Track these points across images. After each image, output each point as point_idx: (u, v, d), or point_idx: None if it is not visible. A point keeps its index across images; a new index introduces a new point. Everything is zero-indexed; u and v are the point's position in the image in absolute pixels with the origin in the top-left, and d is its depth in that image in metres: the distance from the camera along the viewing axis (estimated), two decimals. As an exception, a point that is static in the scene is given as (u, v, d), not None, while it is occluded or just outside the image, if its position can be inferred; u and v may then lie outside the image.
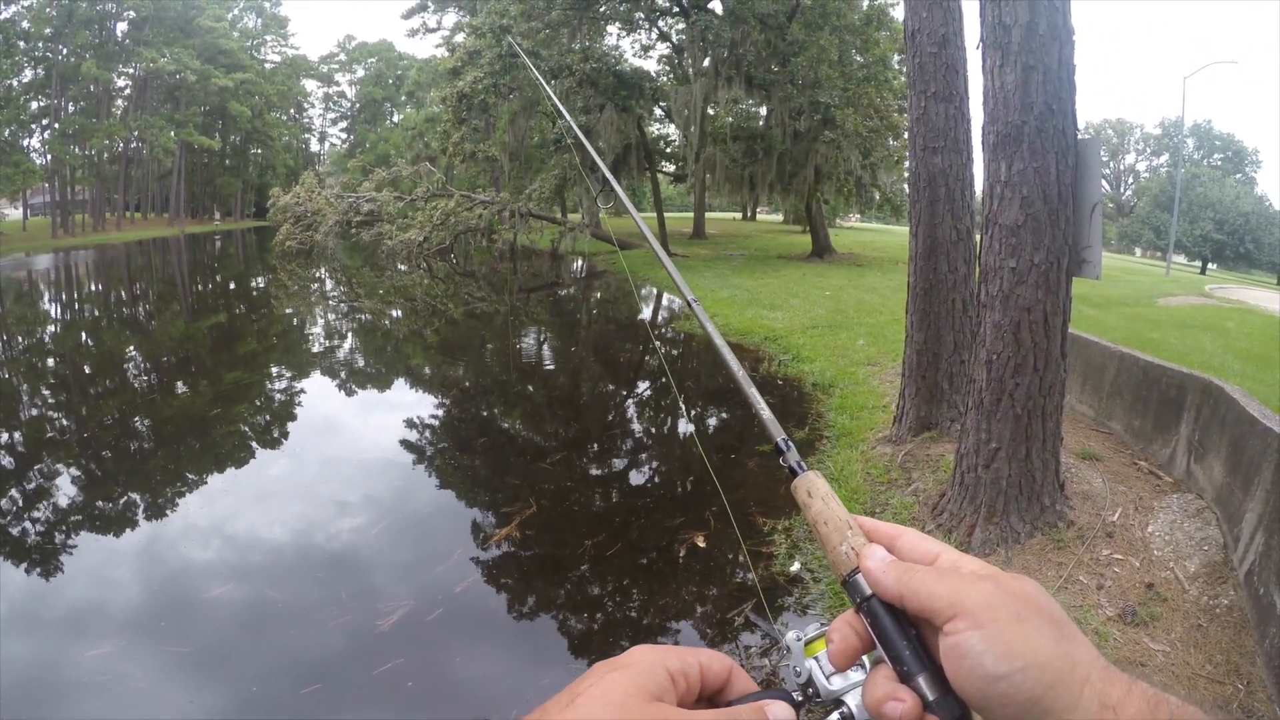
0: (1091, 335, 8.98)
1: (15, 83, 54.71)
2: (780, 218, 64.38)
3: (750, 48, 28.43)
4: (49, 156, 57.34)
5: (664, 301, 22.46)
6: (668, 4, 32.64)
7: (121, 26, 64.66)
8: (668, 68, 37.47)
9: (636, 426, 10.36)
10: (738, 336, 14.73)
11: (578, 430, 9.92)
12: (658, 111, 35.21)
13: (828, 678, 0.72)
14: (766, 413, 0.92)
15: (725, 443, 9.44)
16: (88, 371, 14.15)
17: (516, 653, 5.04)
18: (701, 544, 6.15)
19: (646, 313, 21.45)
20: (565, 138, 29.37)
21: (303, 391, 12.10)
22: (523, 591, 5.72)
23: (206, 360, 14.68)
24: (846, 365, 11.65)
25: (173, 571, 6.01)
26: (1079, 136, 5.26)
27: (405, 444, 9.24)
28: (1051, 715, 0.57)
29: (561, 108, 2.43)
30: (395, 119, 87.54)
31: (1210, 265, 55.55)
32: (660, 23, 34.85)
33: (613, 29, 35.40)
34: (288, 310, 21.72)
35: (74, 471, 8.33)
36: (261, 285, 29.35)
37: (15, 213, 64.55)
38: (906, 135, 8.03)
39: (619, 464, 8.69)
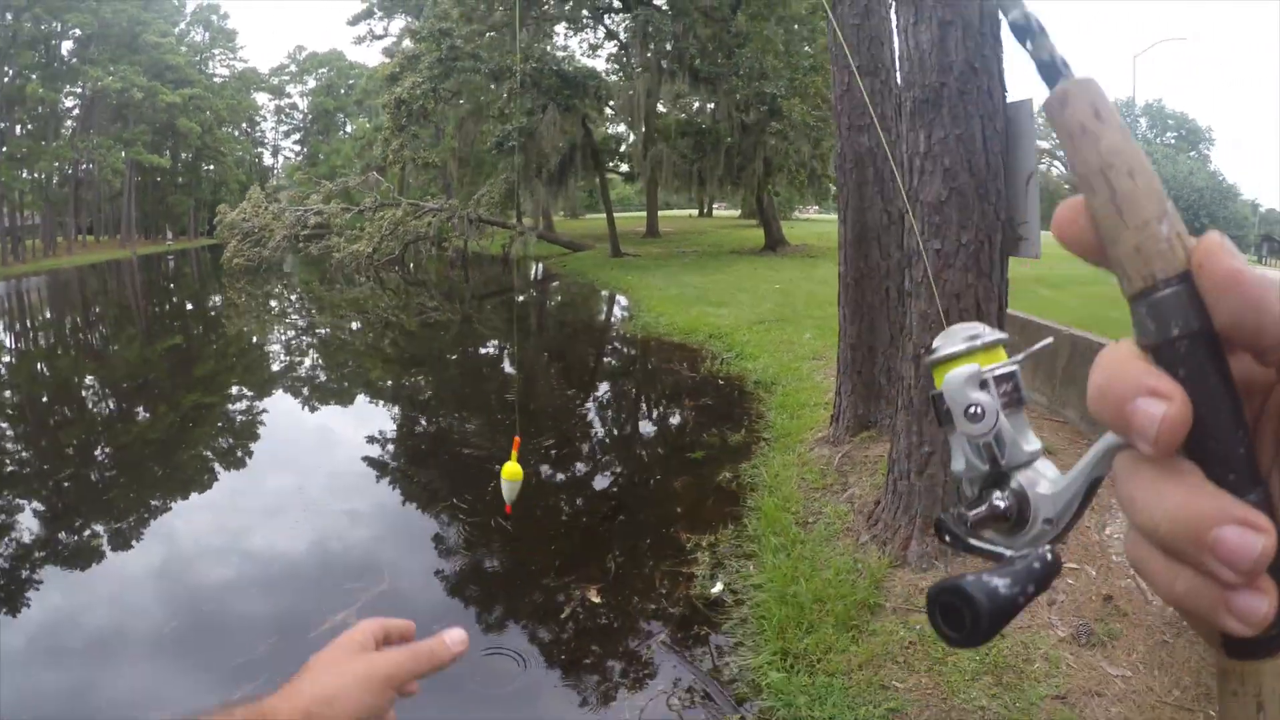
0: (1043, 318, 8.57)
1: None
2: (737, 213, 64.24)
3: (693, 41, 27.98)
4: (-3, 181, 56.43)
5: (617, 301, 22.10)
6: (610, 0, 32.21)
7: (67, 45, 63.73)
8: (616, 65, 37.06)
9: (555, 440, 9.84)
10: (681, 335, 14.37)
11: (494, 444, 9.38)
12: (608, 111, 34.86)
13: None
14: None
15: (652, 453, 9.05)
16: (44, 401, 13.65)
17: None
18: (595, 598, 5.62)
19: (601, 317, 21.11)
20: (509, 140, 28.97)
21: (264, 411, 11.62)
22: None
23: (164, 384, 14.18)
24: (791, 361, 11.18)
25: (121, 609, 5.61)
26: (1008, 99, 4.72)
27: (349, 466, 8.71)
28: None
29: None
30: (349, 129, 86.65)
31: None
32: (606, 20, 34.41)
33: (560, 29, 35.02)
34: (243, 330, 21.19)
35: (31, 504, 7.91)
36: (214, 305, 28.70)
37: (-38, 241, 63.46)
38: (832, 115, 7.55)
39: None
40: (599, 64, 37.30)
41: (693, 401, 10.40)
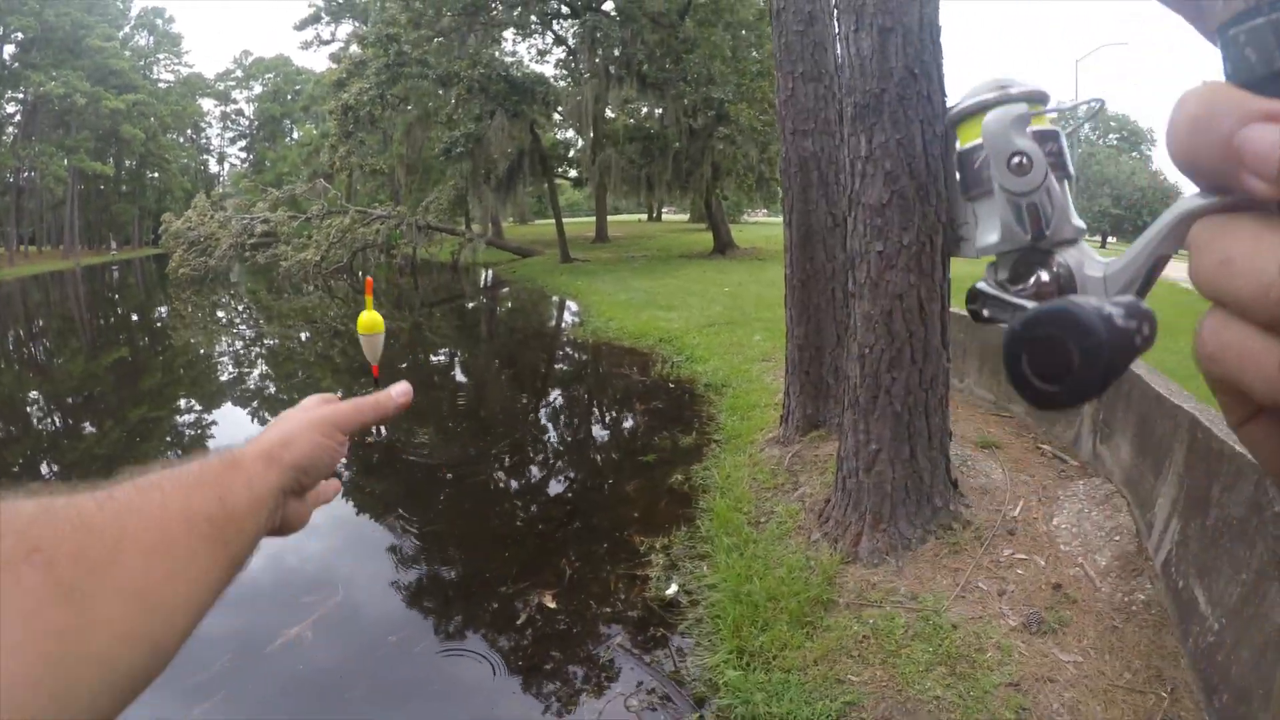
0: (986, 318, 8.67)
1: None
2: (686, 217, 64.34)
3: (641, 47, 28.02)
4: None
5: (567, 306, 22.00)
6: (559, 6, 32.15)
7: (9, 50, 62.48)
8: (565, 71, 36.96)
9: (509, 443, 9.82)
10: (631, 340, 14.36)
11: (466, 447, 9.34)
12: (556, 117, 34.79)
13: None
14: None
15: (605, 457, 9.04)
16: None
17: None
18: (551, 603, 5.64)
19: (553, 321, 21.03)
20: (457, 146, 28.84)
21: (213, 424, 11.42)
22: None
23: (110, 398, 13.90)
24: (741, 363, 11.23)
25: None
26: (948, 103, 4.81)
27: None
28: None
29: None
30: (295, 136, 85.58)
31: (1110, 239, 57.26)
32: (555, 25, 34.32)
33: (508, 34, 34.85)
34: (190, 341, 20.79)
35: None
36: (161, 316, 28.16)
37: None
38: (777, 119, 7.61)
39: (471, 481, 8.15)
40: (547, 70, 37.29)
41: (644, 405, 10.42)
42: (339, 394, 0.98)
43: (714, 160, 29.04)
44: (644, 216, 70.96)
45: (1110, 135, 78.22)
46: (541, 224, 60.63)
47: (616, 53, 28.58)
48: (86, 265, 61.18)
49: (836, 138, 6.94)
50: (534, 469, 8.71)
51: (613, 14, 29.33)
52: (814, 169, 7.07)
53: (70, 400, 13.97)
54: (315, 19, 55.66)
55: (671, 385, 11.13)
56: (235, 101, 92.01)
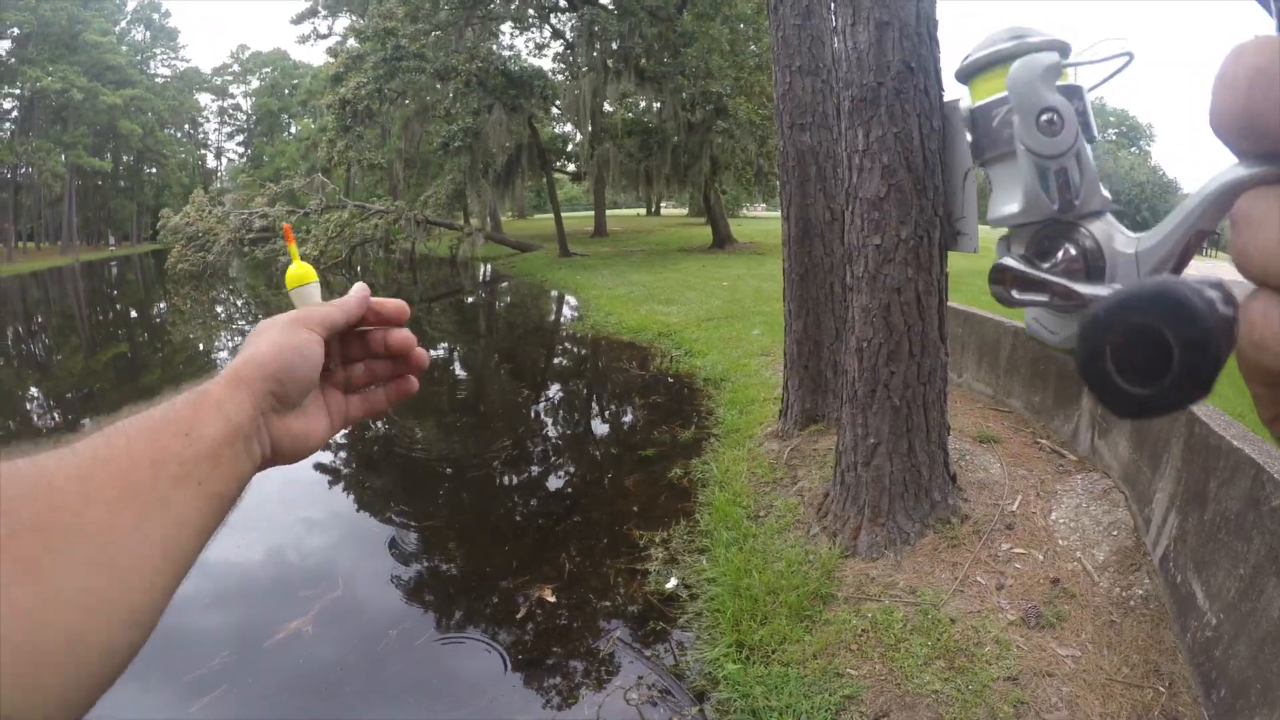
0: (985, 310, 8.69)
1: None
2: (685, 211, 64.24)
3: (639, 40, 27.99)
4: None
5: (566, 301, 21.99)
6: (556, 0, 32.12)
7: (4, 45, 62.43)
8: (563, 65, 36.89)
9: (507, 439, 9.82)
10: (631, 335, 14.39)
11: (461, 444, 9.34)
12: (555, 110, 34.75)
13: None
14: None
15: (604, 452, 9.04)
16: None
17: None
18: (550, 597, 5.65)
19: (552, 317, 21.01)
20: (455, 141, 28.80)
21: None
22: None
23: (110, 394, 13.91)
24: (740, 357, 11.24)
25: None
26: (945, 98, 4.81)
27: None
28: None
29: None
30: (293, 130, 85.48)
31: None
32: (552, 19, 34.27)
33: (506, 28, 34.78)
34: (189, 336, 20.80)
35: None
36: (160, 312, 28.16)
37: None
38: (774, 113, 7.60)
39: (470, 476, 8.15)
40: (545, 63, 37.18)
41: (643, 399, 10.42)
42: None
43: (713, 154, 29.03)
44: (643, 211, 70.86)
45: (1109, 130, 78.32)
46: (540, 218, 60.53)
47: (614, 46, 28.58)
48: (85, 261, 61.06)
49: (834, 131, 6.95)
50: (533, 463, 8.70)
51: (610, 8, 29.29)
52: (812, 162, 7.07)
53: (70, 396, 13.97)
54: (312, 13, 55.71)
55: (670, 380, 11.15)
56: (232, 96, 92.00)
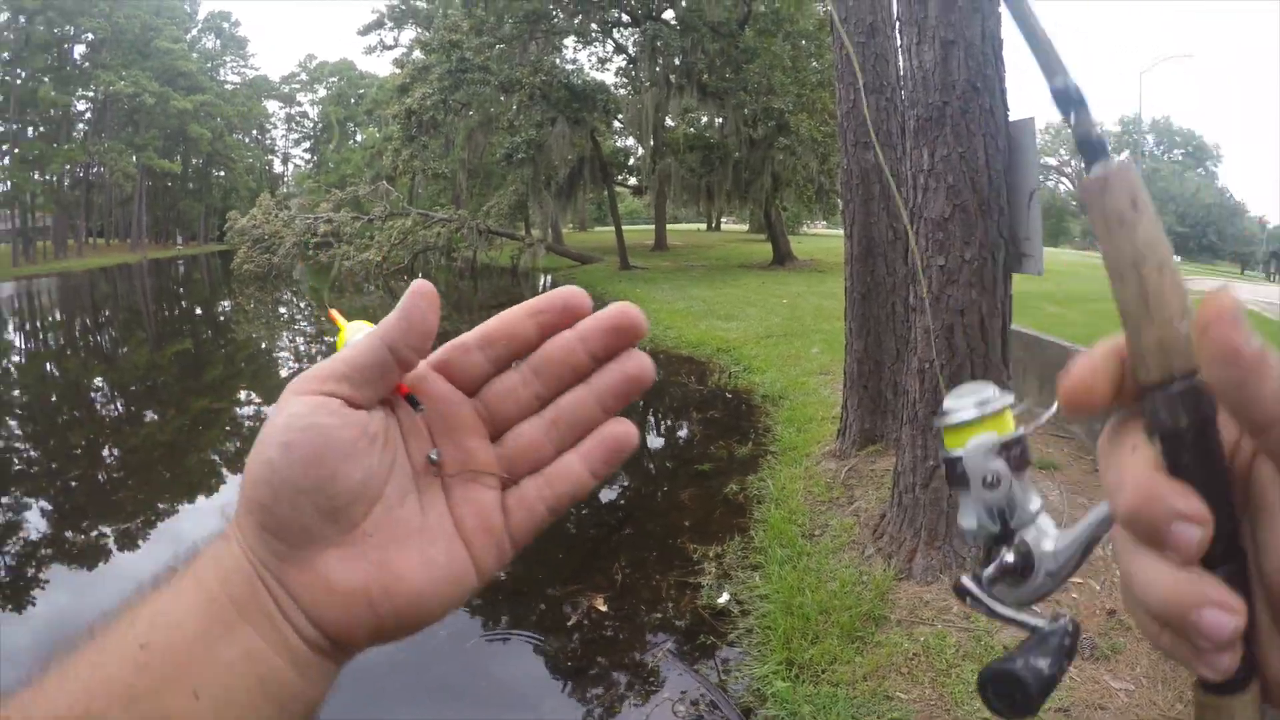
0: (1048, 335, 8.59)
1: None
2: (745, 227, 64.04)
3: (702, 56, 28.03)
4: (9, 183, 56.65)
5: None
6: (619, 14, 32.24)
7: (79, 49, 64.20)
8: (625, 79, 37.04)
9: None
10: (690, 349, 14.40)
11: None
12: (617, 124, 34.90)
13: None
14: None
15: (660, 465, 9.05)
16: (53, 401, 13.84)
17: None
18: (602, 607, 5.67)
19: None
20: (518, 152, 29.02)
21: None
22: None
23: (173, 388, 14.35)
24: (799, 375, 11.20)
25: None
26: (1010, 117, 4.78)
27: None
28: None
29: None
30: (359, 138, 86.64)
31: (1175, 258, 55.99)
32: (615, 34, 34.44)
33: (569, 42, 35.02)
34: (252, 335, 21.25)
35: (39, 503, 8.08)
36: (224, 311, 28.77)
37: (-24, 241, 63.70)
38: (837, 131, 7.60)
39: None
40: (608, 78, 37.25)
41: (700, 414, 10.44)
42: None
43: (774, 171, 28.92)
44: (703, 226, 70.74)
45: (1175, 150, 76.94)
46: (601, 231, 60.63)
47: (677, 61, 28.64)
48: (152, 259, 62.57)
49: (898, 150, 6.92)
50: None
51: (673, 23, 29.41)
52: (875, 181, 7.06)
53: (134, 388, 14.29)
54: (379, 24, 56.48)
55: (729, 395, 11.15)
56: (300, 104, 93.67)
